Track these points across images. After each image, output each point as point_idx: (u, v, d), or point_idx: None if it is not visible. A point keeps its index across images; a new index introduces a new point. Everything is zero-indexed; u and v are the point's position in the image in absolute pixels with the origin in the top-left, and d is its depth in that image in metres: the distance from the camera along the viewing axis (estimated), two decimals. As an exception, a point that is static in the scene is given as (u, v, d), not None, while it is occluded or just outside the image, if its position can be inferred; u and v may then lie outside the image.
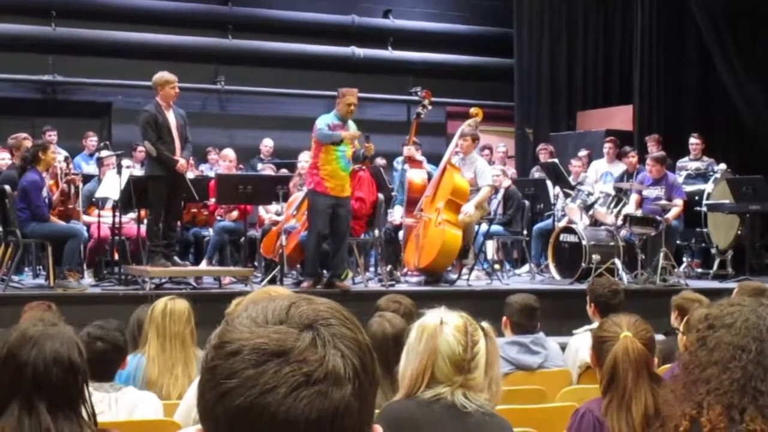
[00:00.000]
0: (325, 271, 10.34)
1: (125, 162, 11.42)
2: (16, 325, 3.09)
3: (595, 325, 5.54)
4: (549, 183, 13.19)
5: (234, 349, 1.29)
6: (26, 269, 11.35)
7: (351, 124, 10.24)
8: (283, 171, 12.98)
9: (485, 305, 9.52)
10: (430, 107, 11.77)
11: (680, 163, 13.69)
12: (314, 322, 1.31)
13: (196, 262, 11.41)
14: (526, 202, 12.73)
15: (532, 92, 17.09)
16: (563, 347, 6.35)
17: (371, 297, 7.54)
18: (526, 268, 12.95)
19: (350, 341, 1.32)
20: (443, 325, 3.36)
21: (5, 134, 11.84)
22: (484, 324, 3.51)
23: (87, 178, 11.89)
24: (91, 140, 13.94)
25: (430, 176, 11.53)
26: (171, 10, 16.61)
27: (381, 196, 11.36)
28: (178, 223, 10.76)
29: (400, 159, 12.29)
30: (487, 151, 14.44)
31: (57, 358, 2.81)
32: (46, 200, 10.02)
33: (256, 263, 11.74)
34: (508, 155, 15.85)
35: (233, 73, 16.99)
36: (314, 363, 1.27)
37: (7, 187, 9.78)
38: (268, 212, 11.94)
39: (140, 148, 12.17)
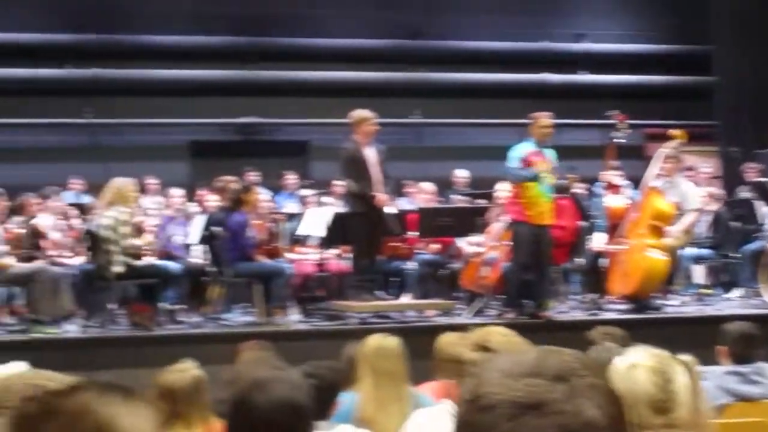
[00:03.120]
0: (528, 301, 10.24)
1: (326, 199, 11.62)
2: (235, 366, 3.14)
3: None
4: (759, 203, 12.68)
5: (488, 403, 1.28)
6: (236, 307, 11.66)
7: (549, 152, 10.15)
8: (481, 201, 12.95)
9: (696, 332, 9.24)
10: (626, 130, 11.51)
11: None
12: (566, 373, 1.30)
13: (399, 296, 11.48)
14: (735, 224, 12.28)
15: (735, 110, 16.52)
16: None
17: (575, 326, 7.41)
18: (737, 292, 12.48)
19: (602, 391, 1.30)
20: (632, 367, 3.26)
21: (210, 176, 12.23)
22: (684, 357, 3.37)
23: (289, 217, 12.16)
24: (291, 179, 14.25)
25: (630, 201, 11.28)
26: (365, 47, 16.89)
27: (582, 223, 11.18)
28: (380, 257, 10.87)
29: (599, 184, 12.08)
30: (690, 172, 14.03)
31: (286, 402, 2.84)
32: (253, 239, 10.30)
33: (458, 295, 11.73)
34: (712, 175, 15.36)
35: (428, 106, 17.11)
36: (570, 414, 1.25)
37: (217, 229, 10.14)
38: (468, 243, 11.91)
39: (338, 184, 12.38)
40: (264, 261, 10.41)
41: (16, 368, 2.27)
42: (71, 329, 10.03)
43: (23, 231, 10.63)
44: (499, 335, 4.01)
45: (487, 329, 4.18)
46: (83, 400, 1.52)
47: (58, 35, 16.08)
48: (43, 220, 11.02)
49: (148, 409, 1.52)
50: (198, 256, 11.10)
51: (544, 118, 10.13)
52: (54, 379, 2.06)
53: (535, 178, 9.85)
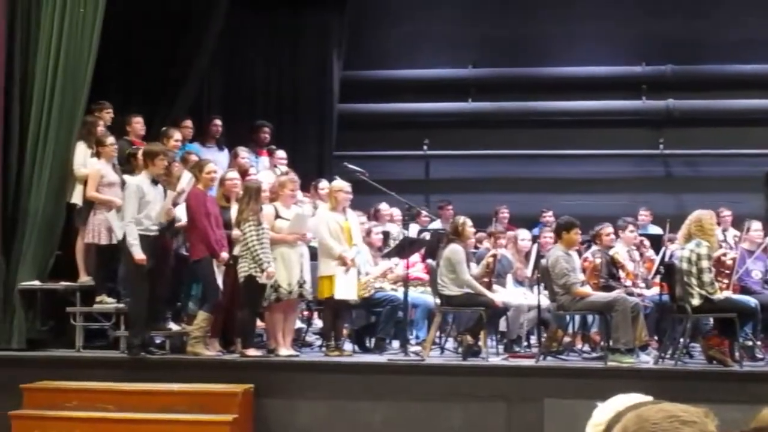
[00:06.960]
0: None
1: None
2: None
3: None
4: None
5: None
6: None
7: None
8: None
9: None
10: None
11: None
12: None
13: None
14: None
15: None
16: None
17: None
18: None
19: None
20: None
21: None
22: None
23: None
24: None
25: None
26: None
27: None
28: None
29: None
30: None
31: None
32: None
33: None
34: None
35: None
36: None
37: (801, 264, 9.70)
38: None
39: None
40: None
41: (635, 399, 2.25)
42: (646, 360, 10.03)
43: (600, 260, 10.84)
44: None
45: None
46: None
47: (634, 68, 16.33)
48: (620, 250, 11.17)
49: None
50: (777, 292, 10.62)
51: None
52: (687, 411, 2.02)
53: None
